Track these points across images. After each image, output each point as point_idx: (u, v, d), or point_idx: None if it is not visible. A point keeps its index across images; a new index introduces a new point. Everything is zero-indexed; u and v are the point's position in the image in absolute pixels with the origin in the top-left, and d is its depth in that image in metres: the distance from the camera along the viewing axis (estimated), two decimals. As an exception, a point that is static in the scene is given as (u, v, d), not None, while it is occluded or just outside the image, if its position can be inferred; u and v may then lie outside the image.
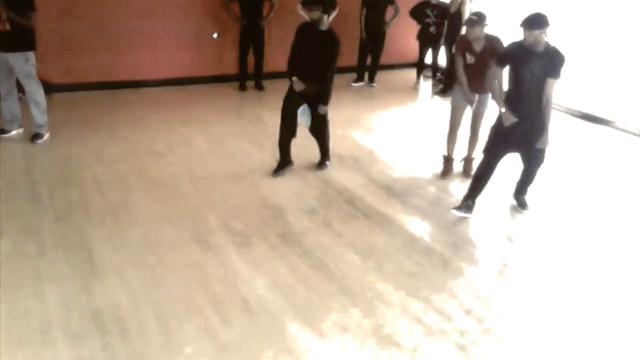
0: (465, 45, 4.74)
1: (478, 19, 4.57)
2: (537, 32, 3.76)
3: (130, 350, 2.73)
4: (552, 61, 3.89)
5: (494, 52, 4.53)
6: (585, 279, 3.60)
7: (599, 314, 3.24)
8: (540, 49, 3.83)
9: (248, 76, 7.84)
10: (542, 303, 3.31)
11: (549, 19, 3.81)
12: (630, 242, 4.11)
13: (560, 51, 3.90)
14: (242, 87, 7.88)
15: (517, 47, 3.98)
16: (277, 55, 6.99)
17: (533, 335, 3.01)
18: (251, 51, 7.71)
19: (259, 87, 7.86)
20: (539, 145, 4.12)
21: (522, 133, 4.10)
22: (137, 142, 5.66)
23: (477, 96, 4.83)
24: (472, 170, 5.04)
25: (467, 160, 5.17)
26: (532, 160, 4.29)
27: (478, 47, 4.66)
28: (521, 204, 4.52)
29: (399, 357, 2.78)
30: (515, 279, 3.55)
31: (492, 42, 4.64)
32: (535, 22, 3.77)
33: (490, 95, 4.74)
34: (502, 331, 3.04)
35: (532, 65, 3.91)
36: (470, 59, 4.72)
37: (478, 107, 4.93)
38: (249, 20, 7.49)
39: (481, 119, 4.99)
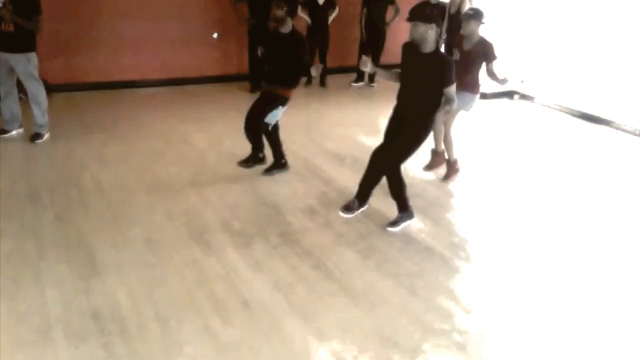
0: (458, 40, 4.76)
1: (474, 14, 4.58)
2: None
3: (130, 350, 2.73)
4: None
5: (478, 55, 4.57)
6: (585, 279, 3.59)
7: (600, 315, 3.24)
8: None
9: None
10: (543, 303, 3.30)
11: None
12: (631, 242, 4.11)
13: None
14: (254, 90, 7.75)
15: None
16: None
17: (533, 335, 3.01)
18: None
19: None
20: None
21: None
22: (137, 141, 5.67)
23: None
24: (454, 173, 4.98)
25: (447, 162, 5.03)
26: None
27: (467, 45, 4.67)
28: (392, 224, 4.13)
29: (398, 357, 2.78)
30: (516, 279, 3.55)
31: (482, 45, 4.62)
32: None
33: (475, 97, 4.73)
34: (502, 331, 3.04)
35: None
36: (456, 55, 4.70)
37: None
38: (257, 20, 7.46)
39: (453, 116, 4.77)
